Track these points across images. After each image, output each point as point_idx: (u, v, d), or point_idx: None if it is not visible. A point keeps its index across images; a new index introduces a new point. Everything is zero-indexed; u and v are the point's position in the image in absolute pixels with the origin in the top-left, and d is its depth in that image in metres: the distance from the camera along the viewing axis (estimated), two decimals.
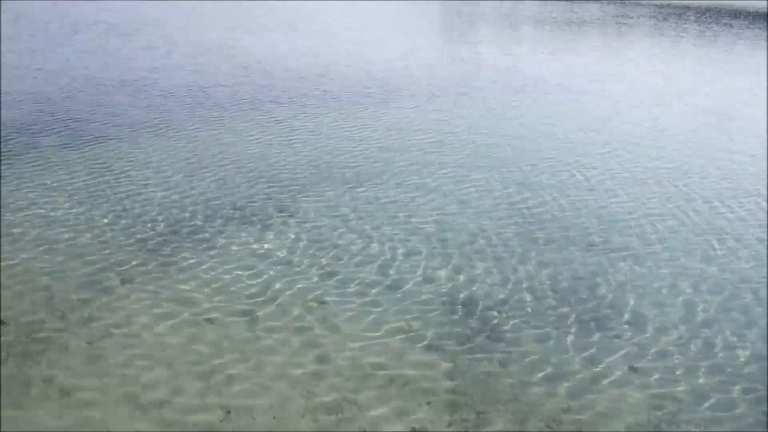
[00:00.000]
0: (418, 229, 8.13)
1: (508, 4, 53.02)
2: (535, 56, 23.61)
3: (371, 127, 12.55)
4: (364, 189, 9.33)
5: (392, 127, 12.60)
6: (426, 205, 8.88)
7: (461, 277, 7.00)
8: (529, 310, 6.47)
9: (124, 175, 9.42)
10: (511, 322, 6.23)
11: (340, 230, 7.99)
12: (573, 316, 6.40)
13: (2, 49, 18.61)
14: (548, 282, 7.01)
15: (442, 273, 7.07)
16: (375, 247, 7.59)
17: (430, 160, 10.77)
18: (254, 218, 8.17)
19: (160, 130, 11.71)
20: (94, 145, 10.68)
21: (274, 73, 17.32)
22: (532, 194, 9.47)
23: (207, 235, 7.66)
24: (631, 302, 6.70)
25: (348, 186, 9.42)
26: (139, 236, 7.53)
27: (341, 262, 7.20)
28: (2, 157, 9.84)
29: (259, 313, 6.15)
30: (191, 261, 7.03)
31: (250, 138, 11.49)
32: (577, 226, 8.47)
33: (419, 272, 7.07)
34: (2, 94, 13.50)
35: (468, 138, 12.14)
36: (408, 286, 6.79)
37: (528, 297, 6.69)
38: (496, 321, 6.25)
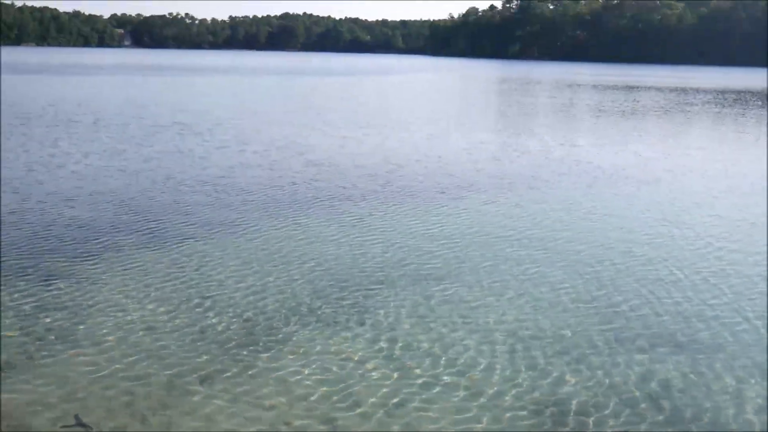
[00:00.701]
0: (499, 329, 7.87)
1: (569, 94, 53.41)
2: (603, 147, 23.46)
3: (444, 223, 12.48)
4: (439, 288, 9.16)
5: (465, 224, 12.50)
6: (504, 305, 8.64)
7: (545, 380, 6.69)
8: (616, 412, 6.08)
9: (200, 275, 9.51)
10: (598, 427, 5.86)
11: (417, 331, 7.80)
12: (661, 417, 5.99)
13: (87, 150, 19.50)
14: (635, 383, 6.63)
15: (525, 375, 6.78)
16: (454, 348, 7.36)
17: (505, 257, 10.56)
18: (330, 319, 8.07)
19: (235, 228, 11.89)
20: (171, 244, 10.88)
21: (345, 170, 17.59)
22: (614, 292, 9.12)
23: (283, 336, 7.57)
24: (720, 408, 6.25)
25: (423, 285, 9.27)
26: (216, 338, 7.50)
27: (419, 364, 6.99)
28: (85, 258, 10.09)
29: (338, 418, 5.95)
30: (269, 364, 6.92)
31: (324, 236, 11.53)
32: (663, 324, 8.07)
33: (501, 375, 6.80)
34: (88, 195, 14.01)
35: (543, 234, 11.92)
36: (490, 389, 6.51)
37: (615, 399, 6.31)
38: (579, 424, 5.88)
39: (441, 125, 29.00)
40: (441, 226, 12.25)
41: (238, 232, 11.66)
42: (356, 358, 7.10)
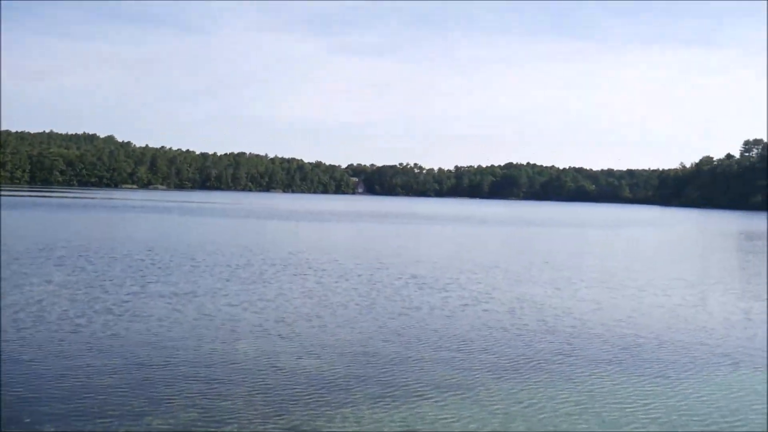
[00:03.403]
0: None
1: None
2: None
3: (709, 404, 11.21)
4: None
5: (726, 407, 11.15)
6: None
7: None
8: None
9: None
10: None
11: None
12: None
13: (342, 301, 19.82)
14: None
15: None
16: None
17: None
18: None
19: (470, 392, 11.65)
20: (406, 403, 10.89)
21: (600, 339, 16.30)
22: None
23: None
24: None
25: None
26: None
27: None
28: (325, 409, 10.44)
29: None
30: None
31: (563, 410, 10.95)
32: None
33: None
34: (332, 348, 14.15)
35: None
36: None
37: None
38: None
39: (698, 289, 25.98)
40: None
41: (472, 396, 11.42)
42: None
